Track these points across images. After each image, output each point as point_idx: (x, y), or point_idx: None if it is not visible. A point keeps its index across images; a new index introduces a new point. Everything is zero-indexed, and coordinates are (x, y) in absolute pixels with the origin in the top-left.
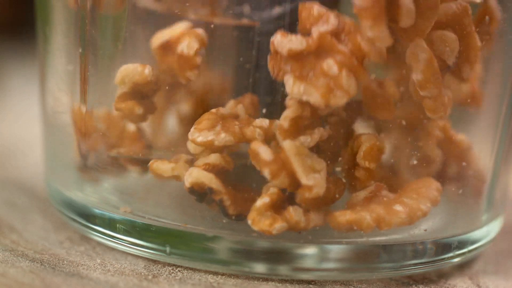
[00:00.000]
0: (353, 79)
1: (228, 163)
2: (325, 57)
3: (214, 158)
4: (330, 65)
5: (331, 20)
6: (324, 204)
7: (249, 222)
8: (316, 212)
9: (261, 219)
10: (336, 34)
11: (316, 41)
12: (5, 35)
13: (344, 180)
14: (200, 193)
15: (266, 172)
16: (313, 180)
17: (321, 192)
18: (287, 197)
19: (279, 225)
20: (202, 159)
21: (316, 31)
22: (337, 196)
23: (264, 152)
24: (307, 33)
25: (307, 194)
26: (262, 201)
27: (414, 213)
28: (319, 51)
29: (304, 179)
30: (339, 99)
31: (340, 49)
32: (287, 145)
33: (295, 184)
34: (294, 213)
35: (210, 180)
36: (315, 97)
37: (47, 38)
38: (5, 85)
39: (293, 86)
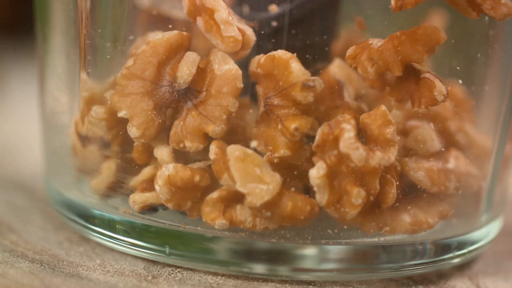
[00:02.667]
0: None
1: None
2: (360, 183)
3: (147, 172)
4: (359, 193)
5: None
6: (283, 217)
7: (201, 214)
8: (267, 216)
9: (209, 212)
10: None
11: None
12: (4, 35)
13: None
14: (152, 209)
15: (214, 170)
16: (249, 189)
17: (257, 203)
18: (242, 196)
19: (219, 221)
20: (137, 177)
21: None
22: (302, 216)
23: (210, 150)
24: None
25: (245, 200)
26: (211, 195)
27: (420, 225)
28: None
29: (238, 185)
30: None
31: (376, 186)
32: (230, 149)
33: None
34: (239, 212)
35: (156, 198)
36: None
37: (46, 38)
38: (5, 85)
39: (317, 174)
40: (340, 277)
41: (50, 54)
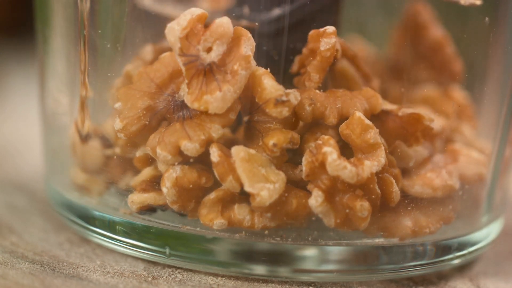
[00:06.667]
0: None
1: (158, 170)
2: (363, 196)
3: (147, 173)
4: (363, 207)
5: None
6: (286, 215)
7: (198, 215)
8: (266, 214)
9: (206, 213)
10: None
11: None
12: (5, 36)
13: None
14: (151, 209)
15: (216, 174)
16: (258, 189)
17: (266, 202)
18: (239, 195)
19: (218, 221)
20: (137, 177)
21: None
22: (305, 213)
23: (212, 153)
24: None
25: (252, 201)
26: (208, 196)
27: (421, 230)
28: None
29: (247, 186)
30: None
31: (377, 191)
32: (235, 150)
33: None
34: (237, 211)
35: (154, 199)
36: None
37: (47, 39)
38: (5, 86)
39: (317, 203)
40: (341, 278)
41: (50, 55)
